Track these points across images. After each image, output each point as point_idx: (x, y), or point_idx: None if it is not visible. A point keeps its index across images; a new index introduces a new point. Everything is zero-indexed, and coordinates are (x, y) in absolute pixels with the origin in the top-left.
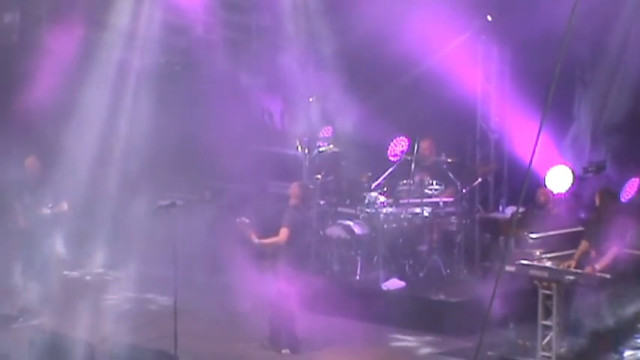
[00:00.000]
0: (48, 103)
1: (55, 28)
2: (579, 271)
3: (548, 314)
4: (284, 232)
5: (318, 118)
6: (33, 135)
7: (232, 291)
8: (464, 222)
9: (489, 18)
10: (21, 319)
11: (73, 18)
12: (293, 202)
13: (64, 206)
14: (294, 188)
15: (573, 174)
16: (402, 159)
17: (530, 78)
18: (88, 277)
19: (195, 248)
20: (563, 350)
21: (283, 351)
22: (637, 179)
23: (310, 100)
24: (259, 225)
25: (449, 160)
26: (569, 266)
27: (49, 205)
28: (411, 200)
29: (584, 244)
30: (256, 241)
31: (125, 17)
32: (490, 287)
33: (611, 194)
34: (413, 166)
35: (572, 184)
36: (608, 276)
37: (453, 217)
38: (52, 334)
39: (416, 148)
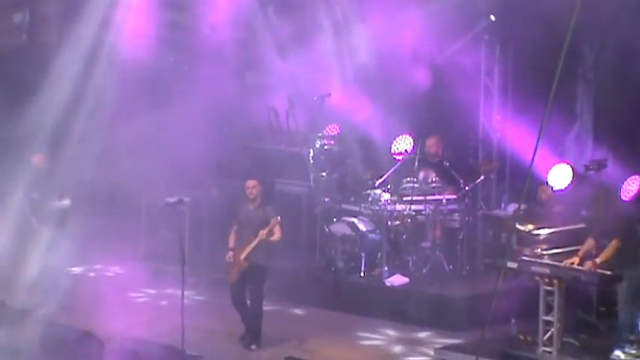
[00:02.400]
0: (57, 102)
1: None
2: (580, 267)
3: (549, 310)
4: (281, 230)
5: (323, 116)
6: (42, 133)
7: None
8: (466, 219)
9: (493, 18)
10: (32, 314)
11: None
12: (262, 199)
13: (67, 202)
14: (259, 185)
15: (574, 171)
16: (408, 158)
17: (532, 76)
18: (92, 274)
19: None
20: (565, 346)
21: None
22: (637, 176)
23: (315, 98)
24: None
25: (451, 159)
26: (572, 263)
27: (56, 201)
28: (414, 197)
29: (589, 242)
30: (273, 239)
31: (131, 16)
32: (492, 283)
33: (606, 194)
34: (416, 163)
35: (572, 181)
36: (608, 273)
37: (456, 215)
38: (62, 329)
39: (420, 146)
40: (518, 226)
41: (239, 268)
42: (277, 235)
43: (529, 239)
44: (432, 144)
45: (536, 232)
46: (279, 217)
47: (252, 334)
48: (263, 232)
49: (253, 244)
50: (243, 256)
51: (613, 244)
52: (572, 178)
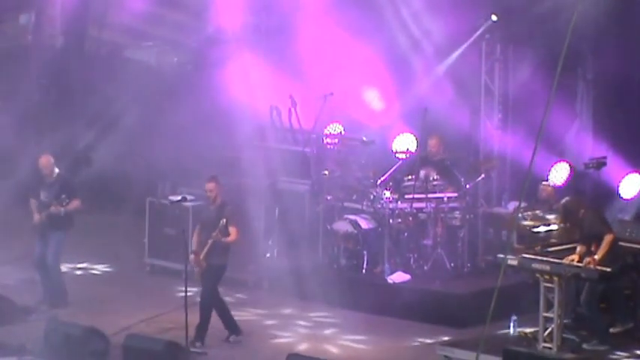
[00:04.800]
0: (62, 102)
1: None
2: (580, 264)
3: (549, 306)
4: (236, 231)
5: (325, 115)
6: (48, 132)
7: None
8: (467, 217)
9: (494, 17)
10: (37, 311)
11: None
12: (222, 200)
13: (77, 203)
14: (220, 186)
15: (571, 169)
16: (409, 157)
17: (532, 75)
18: (94, 272)
19: None
20: (566, 342)
21: (231, 338)
22: (636, 173)
23: (318, 97)
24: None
25: (453, 157)
26: (572, 260)
27: (64, 202)
28: (415, 196)
29: (581, 248)
30: (225, 240)
31: (137, 18)
32: (493, 280)
33: (576, 204)
34: (418, 162)
35: (569, 178)
36: (608, 269)
37: (457, 212)
38: (66, 325)
39: (420, 145)
40: (537, 214)
41: (200, 269)
42: (232, 235)
43: (529, 236)
44: (432, 144)
45: (536, 229)
46: (224, 220)
47: (198, 331)
48: (214, 234)
49: (208, 245)
50: (202, 256)
51: (608, 240)
52: (570, 175)
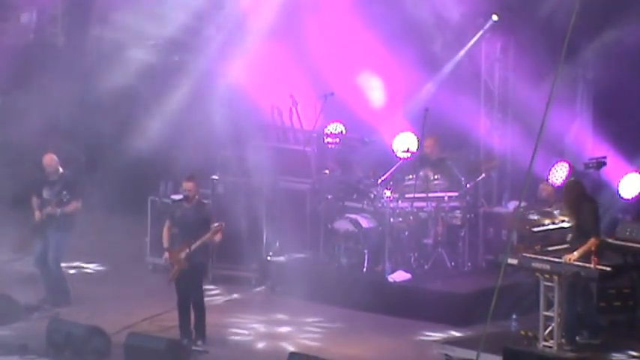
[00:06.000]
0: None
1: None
2: (580, 264)
3: (550, 305)
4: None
5: (326, 115)
6: (50, 131)
7: None
8: (468, 216)
9: (495, 17)
10: (39, 310)
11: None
12: (199, 199)
13: (76, 205)
14: (198, 186)
15: (571, 169)
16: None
17: (532, 75)
18: (95, 270)
19: None
20: (563, 341)
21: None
22: (636, 173)
23: (319, 97)
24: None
25: (453, 157)
26: (569, 259)
27: (64, 199)
28: (416, 195)
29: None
30: (217, 239)
31: (138, 17)
32: (494, 279)
33: (579, 185)
34: (418, 161)
35: (568, 177)
36: (608, 269)
37: (458, 212)
38: (68, 324)
39: (419, 145)
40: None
41: (179, 267)
42: (218, 235)
43: (529, 236)
44: (428, 145)
45: (536, 228)
46: (223, 224)
47: (198, 330)
48: (208, 236)
49: (197, 244)
50: (183, 255)
51: (591, 243)
52: (570, 175)
